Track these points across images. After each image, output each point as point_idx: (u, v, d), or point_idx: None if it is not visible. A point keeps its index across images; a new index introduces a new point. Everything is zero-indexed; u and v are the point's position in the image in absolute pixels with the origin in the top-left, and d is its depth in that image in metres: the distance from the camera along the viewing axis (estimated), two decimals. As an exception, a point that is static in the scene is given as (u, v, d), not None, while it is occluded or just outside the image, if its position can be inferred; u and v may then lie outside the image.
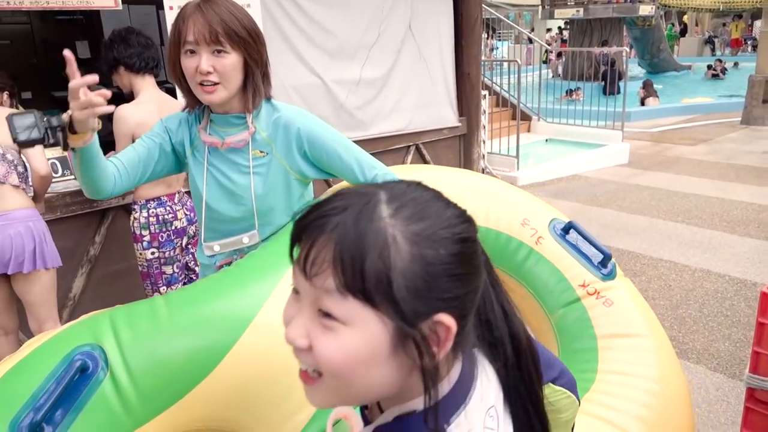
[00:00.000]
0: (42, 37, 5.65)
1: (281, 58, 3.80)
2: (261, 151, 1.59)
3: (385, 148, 4.53)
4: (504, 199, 2.02)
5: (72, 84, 1.27)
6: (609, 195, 6.28)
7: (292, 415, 1.40)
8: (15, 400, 1.20)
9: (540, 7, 16.78)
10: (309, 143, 1.58)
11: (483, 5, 5.29)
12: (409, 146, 4.76)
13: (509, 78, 8.49)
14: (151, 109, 2.63)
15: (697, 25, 27.15)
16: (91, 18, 5.13)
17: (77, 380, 1.24)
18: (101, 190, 1.53)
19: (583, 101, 8.85)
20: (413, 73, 4.60)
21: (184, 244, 2.82)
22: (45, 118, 1.33)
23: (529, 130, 8.89)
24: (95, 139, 1.42)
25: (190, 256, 2.91)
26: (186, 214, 2.79)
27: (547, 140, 8.70)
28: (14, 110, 2.61)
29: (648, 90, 12.23)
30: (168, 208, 2.72)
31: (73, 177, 3.17)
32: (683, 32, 26.05)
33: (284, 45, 3.83)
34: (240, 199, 1.60)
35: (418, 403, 0.65)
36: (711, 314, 3.64)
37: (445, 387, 0.65)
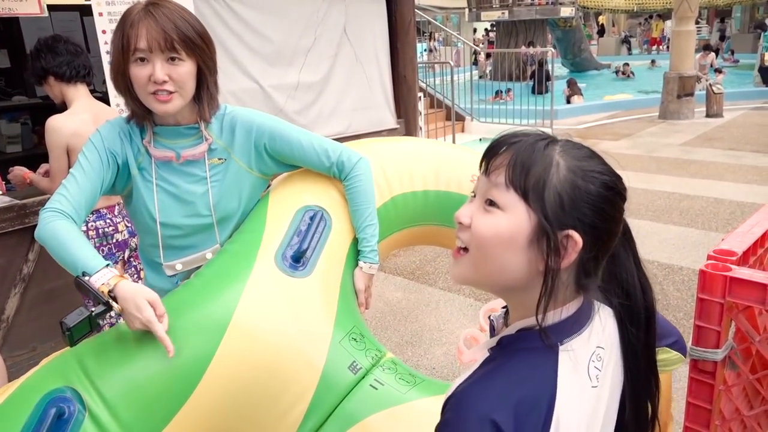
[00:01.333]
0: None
1: (219, 63, 3.74)
2: (219, 158, 1.54)
3: (325, 151, 4.53)
4: (450, 159, 2.05)
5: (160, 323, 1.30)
6: (543, 190, 6.51)
7: (286, 414, 1.38)
8: None
9: (466, 10, 17.19)
10: (269, 138, 1.55)
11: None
12: (349, 149, 4.78)
13: (443, 79, 8.66)
14: (84, 118, 2.55)
15: (614, 25, 28.50)
16: (10, 25, 4.88)
17: (55, 429, 1.18)
18: None
19: (513, 101, 9.15)
20: (351, 76, 4.63)
21: (126, 258, 2.74)
22: (92, 310, 1.27)
23: (463, 130, 9.10)
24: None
25: (132, 269, 2.82)
26: (127, 226, 2.71)
27: (480, 139, 8.93)
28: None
29: (573, 88, 12.75)
30: (108, 220, 2.64)
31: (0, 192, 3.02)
32: (601, 32, 27.29)
33: (220, 50, 3.76)
34: (195, 207, 1.53)
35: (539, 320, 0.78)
36: (643, 299, 3.85)
37: (563, 313, 0.80)
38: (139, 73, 1.38)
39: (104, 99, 3.00)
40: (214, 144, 1.52)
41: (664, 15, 23.16)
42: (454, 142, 7.11)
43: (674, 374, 2.98)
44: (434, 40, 16.34)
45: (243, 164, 1.56)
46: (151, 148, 1.49)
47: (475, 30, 25.69)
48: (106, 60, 3.11)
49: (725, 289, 1.18)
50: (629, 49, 24.79)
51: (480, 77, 13.30)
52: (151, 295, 1.29)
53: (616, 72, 16.87)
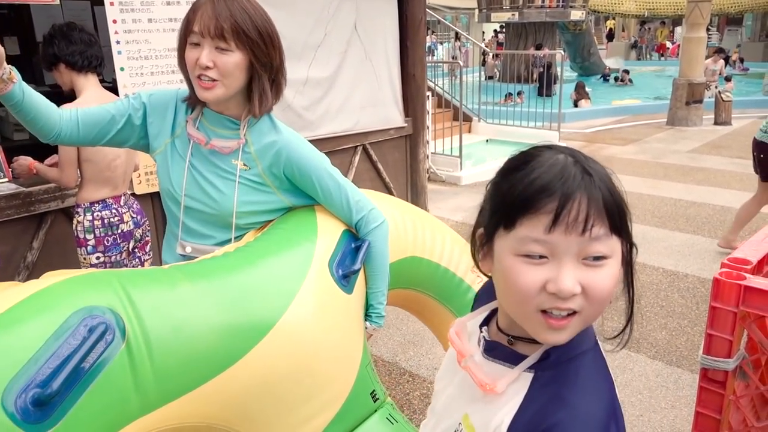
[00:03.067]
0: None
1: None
2: (245, 164, 1.50)
3: (332, 148, 4.52)
4: (456, 244, 2.06)
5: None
6: (548, 193, 6.48)
7: (312, 418, 1.34)
8: (9, 362, 0.98)
9: (476, 11, 17.15)
10: (300, 174, 1.51)
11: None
12: (356, 147, 4.77)
13: (451, 79, 8.63)
14: (94, 108, 2.54)
15: (624, 30, 28.42)
16: (21, 13, 4.88)
17: (91, 350, 1.03)
18: (42, 132, 1.45)
19: (521, 103, 9.12)
20: (360, 73, 4.62)
21: (130, 248, 2.73)
22: None
23: (470, 131, 9.07)
24: (16, 88, 1.37)
25: (137, 260, 2.81)
26: (132, 217, 2.70)
27: (487, 140, 8.90)
28: None
29: (580, 92, 12.71)
30: (114, 210, 2.63)
31: (5, 179, 3.01)
32: (610, 37, 27.21)
33: (230, 44, 3.76)
34: (216, 204, 1.51)
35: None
36: (648, 305, 3.83)
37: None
38: (189, 55, 1.40)
39: (113, 89, 2.99)
40: (247, 147, 1.49)
41: (676, 21, 23.08)
42: (461, 142, 7.09)
43: (678, 382, 2.97)
44: (459, 40, 16.29)
45: (269, 181, 1.53)
46: (190, 125, 1.51)
47: (483, 33, 25.64)
48: (115, 50, 3.11)
49: (739, 298, 1.17)
50: (638, 55, 24.72)
51: (488, 78, 13.27)
52: None
53: (616, 79, 16.78)
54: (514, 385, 0.77)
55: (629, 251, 0.76)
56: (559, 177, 0.71)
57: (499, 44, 21.42)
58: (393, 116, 5.00)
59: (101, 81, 2.72)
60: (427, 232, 1.98)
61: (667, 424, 2.68)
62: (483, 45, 15.41)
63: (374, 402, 1.48)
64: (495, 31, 24.17)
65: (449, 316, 2.05)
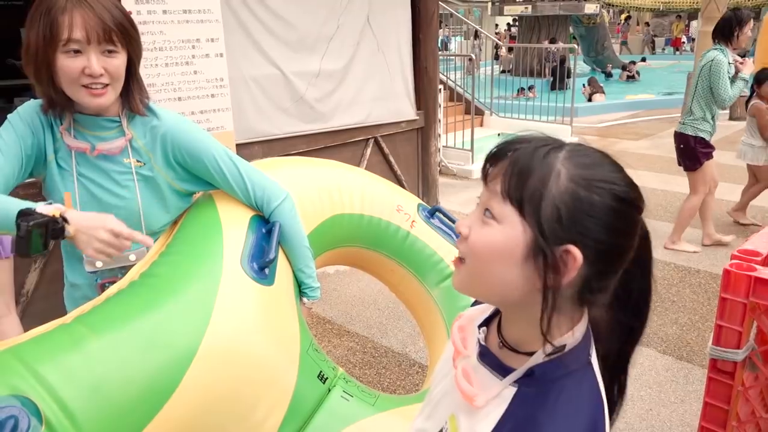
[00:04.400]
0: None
1: (240, 48, 3.76)
2: (138, 160, 1.42)
3: (344, 140, 4.53)
4: (377, 188, 2.18)
5: (134, 236, 1.26)
6: (560, 187, 6.46)
7: (262, 423, 1.32)
8: None
9: (489, 4, 17.05)
10: (191, 157, 1.44)
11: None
12: (368, 139, 4.78)
13: (463, 73, 8.61)
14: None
15: (638, 24, 28.14)
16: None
17: None
18: None
19: (533, 97, 9.08)
20: (372, 66, 4.62)
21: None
22: (38, 220, 1.17)
23: (482, 125, 9.05)
24: None
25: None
26: None
27: (499, 134, 8.87)
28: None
29: (594, 86, 12.61)
30: None
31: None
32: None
33: (243, 34, 3.78)
34: (114, 209, 1.39)
35: (564, 339, 0.74)
36: (659, 300, 3.82)
37: (584, 324, 0.77)
38: (71, 65, 1.26)
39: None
40: (135, 142, 1.42)
41: (691, 15, 22.81)
42: (472, 136, 7.08)
43: (688, 377, 2.97)
44: (478, 38, 16.15)
45: (164, 173, 1.45)
46: (66, 136, 1.38)
47: (497, 25, 25.50)
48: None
49: (749, 289, 1.17)
50: (653, 49, 24.48)
51: (502, 72, 13.21)
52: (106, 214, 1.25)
53: (623, 68, 16.53)
54: (496, 399, 0.76)
55: (548, 251, 0.70)
56: None
57: (512, 38, 21.29)
58: (405, 109, 5.01)
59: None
60: (345, 186, 2.05)
61: (676, 419, 2.68)
62: (496, 38, 15.32)
63: (323, 383, 1.45)
64: (508, 24, 24.03)
65: (384, 260, 2.17)
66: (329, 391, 1.46)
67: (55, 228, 1.18)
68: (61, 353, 1.12)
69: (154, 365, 1.17)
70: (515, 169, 0.72)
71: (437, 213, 2.24)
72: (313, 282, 1.64)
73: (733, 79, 3.98)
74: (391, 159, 5.01)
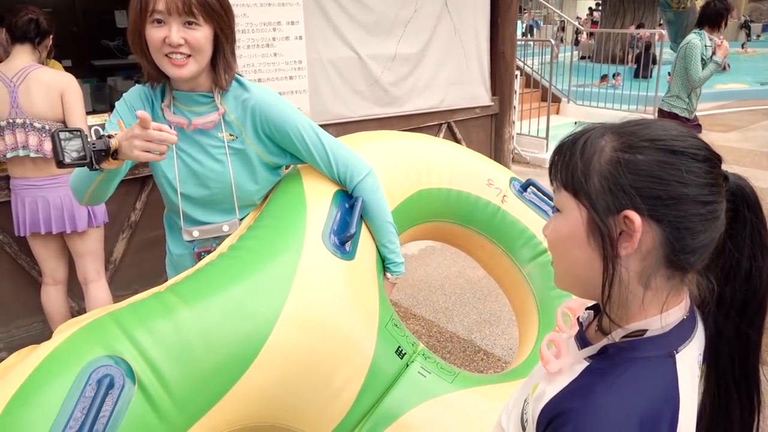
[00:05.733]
0: (82, 6, 5.71)
1: (319, 31, 3.81)
2: (231, 134, 1.48)
3: (417, 125, 4.53)
4: (466, 161, 2.11)
5: (153, 124, 1.24)
6: (639, 179, 6.20)
7: (337, 397, 1.35)
8: None
9: (572, -13, 16.43)
10: (278, 130, 1.49)
11: (519, -17, 5.23)
12: (441, 124, 4.76)
13: (541, 58, 8.39)
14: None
15: (732, 9, 26.45)
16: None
17: (107, 400, 1.07)
18: (98, 201, 1.47)
19: (618, 85, 8.72)
20: (448, 50, 4.58)
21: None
22: (90, 141, 1.26)
23: (558, 112, 8.80)
24: (127, 163, 1.39)
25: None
26: None
27: (576, 123, 8.60)
28: (60, 126, 2.64)
29: (681, 74, 11.97)
30: None
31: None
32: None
33: (322, 18, 3.83)
34: (210, 182, 1.49)
35: (648, 323, 0.73)
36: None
37: (677, 314, 0.74)
38: (154, 34, 1.35)
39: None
40: (227, 116, 1.48)
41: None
42: (548, 124, 6.90)
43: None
44: (564, 31, 15.24)
45: (256, 147, 1.51)
46: (167, 112, 1.47)
47: (578, 17, 24.59)
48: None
49: None
50: (748, 35, 22.94)
51: (582, 58, 12.76)
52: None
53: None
54: (570, 370, 0.76)
55: (601, 223, 0.70)
56: None
57: (594, 22, 20.48)
58: (480, 94, 4.94)
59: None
60: (432, 160, 2.00)
61: None
62: (577, 23, 14.79)
63: (401, 358, 1.46)
64: (590, 8, 23.13)
65: (474, 236, 2.11)
66: (407, 366, 1.48)
67: (95, 144, 1.25)
68: (154, 319, 1.20)
69: (237, 333, 1.24)
70: (564, 159, 0.75)
71: (530, 187, 2.16)
72: (396, 257, 1.65)
73: (707, 61, 4.28)
74: (464, 145, 4.97)
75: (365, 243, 1.56)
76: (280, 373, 1.27)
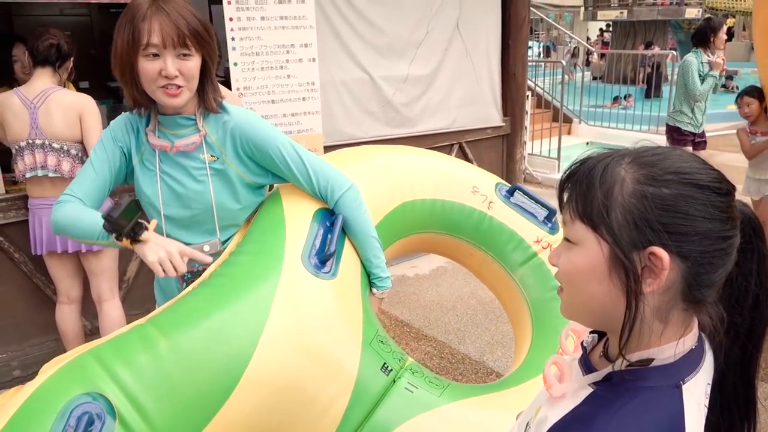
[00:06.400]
0: (100, 28, 5.85)
1: (332, 53, 3.86)
2: (212, 155, 1.52)
3: (429, 145, 4.55)
4: (450, 170, 2.09)
5: (195, 255, 1.42)
6: (651, 200, 6.17)
7: (323, 417, 1.36)
8: None
9: (582, 9, 16.56)
10: (257, 149, 1.52)
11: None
12: (452, 144, 4.78)
13: (552, 79, 8.42)
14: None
15: (744, 29, 26.43)
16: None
17: None
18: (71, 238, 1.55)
19: (630, 106, 8.72)
20: (459, 71, 4.62)
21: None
22: (139, 222, 1.36)
23: (569, 133, 8.81)
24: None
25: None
26: None
27: (588, 143, 8.60)
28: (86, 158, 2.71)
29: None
30: None
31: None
32: (729, 37, 25.39)
33: (335, 40, 3.89)
34: (192, 203, 1.53)
35: (656, 353, 0.72)
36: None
37: (685, 345, 0.73)
38: (149, 67, 1.38)
39: (226, 83, 3.18)
40: (208, 137, 1.51)
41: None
42: (560, 144, 6.90)
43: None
44: (575, 56, 15.05)
45: (234, 167, 1.54)
46: (152, 136, 1.52)
47: (588, 38, 24.72)
48: (230, 46, 3.30)
49: None
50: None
51: (593, 78, 12.79)
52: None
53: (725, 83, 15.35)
54: (574, 395, 0.76)
55: (626, 260, 0.68)
56: None
57: (604, 43, 20.56)
58: (491, 115, 4.97)
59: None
60: (414, 171, 1.99)
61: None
62: (588, 45, 14.86)
63: (387, 375, 1.46)
64: (600, 29, 23.24)
65: (462, 244, 2.07)
66: (394, 381, 1.47)
67: (135, 230, 1.36)
68: (133, 353, 1.22)
69: (216, 359, 1.25)
70: (580, 189, 0.72)
71: (517, 191, 2.11)
72: (381, 272, 1.65)
73: (705, 77, 4.55)
74: (475, 165, 4.98)
75: (349, 259, 1.57)
76: (263, 394, 1.28)
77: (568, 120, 8.80)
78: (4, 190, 2.93)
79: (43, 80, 2.66)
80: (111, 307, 2.87)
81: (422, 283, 4.26)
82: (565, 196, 0.75)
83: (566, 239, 0.75)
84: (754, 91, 3.92)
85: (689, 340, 0.73)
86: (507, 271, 2.06)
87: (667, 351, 0.71)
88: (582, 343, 0.83)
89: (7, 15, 5.77)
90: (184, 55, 1.40)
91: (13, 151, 2.66)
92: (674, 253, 0.67)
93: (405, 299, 4.01)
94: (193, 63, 1.42)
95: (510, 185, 2.14)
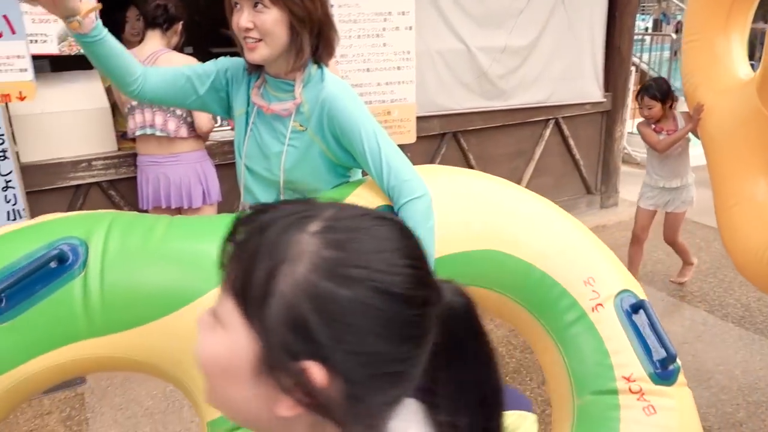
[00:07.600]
0: (205, -4, 6.06)
1: (429, 21, 3.80)
2: (301, 125, 1.50)
3: (523, 120, 4.42)
4: (575, 241, 1.66)
5: None
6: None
7: None
8: None
9: (697, -21, 15.31)
10: (340, 129, 1.45)
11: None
12: (548, 120, 4.61)
13: (660, 54, 7.92)
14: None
15: None
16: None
17: (52, 269, 1.20)
18: (123, 80, 1.48)
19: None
20: (560, 43, 4.42)
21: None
22: None
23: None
24: (100, 39, 1.38)
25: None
26: None
27: (694, 124, 8.05)
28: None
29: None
30: None
31: (230, 128, 3.39)
32: None
33: (433, 9, 3.82)
34: (270, 164, 1.54)
35: None
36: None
37: None
38: (233, 19, 1.40)
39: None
40: (302, 107, 1.48)
41: None
42: (663, 123, 6.51)
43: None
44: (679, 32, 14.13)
45: (318, 141, 1.50)
46: (254, 93, 1.53)
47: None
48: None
49: None
50: None
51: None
52: None
53: None
54: None
55: (278, 366, 0.53)
56: None
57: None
58: (591, 90, 4.74)
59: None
60: (524, 219, 1.64)
61: None
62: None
63: None
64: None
65: (541, 333, 1.66)
66: None
67: None
68: (135, 233, 1.32)
69: (183, 281, 1.31)
70: (243, 254, 0.53)
71: (642, 310, 1.59)
72: None
73: None
74: (571, 142, 4.80)
75: None
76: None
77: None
78: (117, 147, 3.12)
79: (152, 43, 2.79)
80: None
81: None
82: (227, 255, 0.56)
83: (214, 312, 0.57)
84: (656, 93, 3.39)
85: None
86: (572, 390, 1.60)
87: None
88: None
89: (121, -18, 6.09)
90: (257, 5, 1.36)
91: (125, 110, 2.83)
92: (335, 371, 0.52)
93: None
94: (269, 16, 1.37)
95: (639, 299, 1.61)
